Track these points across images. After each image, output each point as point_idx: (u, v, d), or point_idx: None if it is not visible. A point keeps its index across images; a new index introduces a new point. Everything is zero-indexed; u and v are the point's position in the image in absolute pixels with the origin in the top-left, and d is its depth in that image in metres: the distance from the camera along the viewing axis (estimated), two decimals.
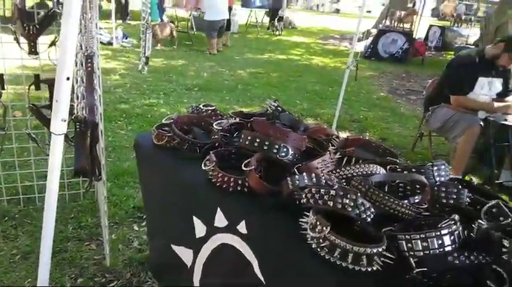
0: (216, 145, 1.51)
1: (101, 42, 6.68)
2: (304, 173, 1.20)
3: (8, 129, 2.20)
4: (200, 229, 1.30)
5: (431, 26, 11.77)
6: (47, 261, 1.23)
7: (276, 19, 12.62)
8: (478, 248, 0.96)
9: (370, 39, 9.57)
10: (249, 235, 1.16)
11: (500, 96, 2.99)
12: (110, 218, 2.28)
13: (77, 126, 1.81)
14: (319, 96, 5.63)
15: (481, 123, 2.76)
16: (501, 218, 1.06)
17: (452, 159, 3.03)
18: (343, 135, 4.24)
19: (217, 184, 1.31)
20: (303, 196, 1.13)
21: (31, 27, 1.99)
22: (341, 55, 9.54)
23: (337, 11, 25.00)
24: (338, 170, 1.31)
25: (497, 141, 2.85)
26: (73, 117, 1.84)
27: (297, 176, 1.19)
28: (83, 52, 1.74)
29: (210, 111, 1.71)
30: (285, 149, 1.34)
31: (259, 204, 1.21)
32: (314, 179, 1.19)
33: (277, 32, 12.15)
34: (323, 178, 1.19)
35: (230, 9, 9.35)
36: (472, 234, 1.01)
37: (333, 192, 1.07)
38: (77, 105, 1.85)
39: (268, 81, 6.21)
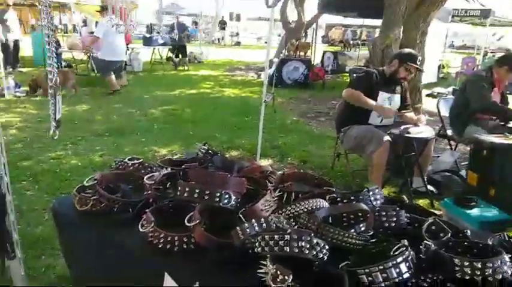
0: (150, 201, 1.40)
1: None
2: (253, 220, 1.16)
3: None
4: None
5: (325, 52, 12.88)
6: None
7: (181, 55, 12.69)
8: (431, 269, 1.00)
9: (273, 68, 10.11)
10: None
11: (400, 110, 3.35)
12: None
13: None
14: (237, 127, 5.69)
15: (389, 138, 3.02)
16: (441, 235, 1.13)
17: (370, 174, 3.25)
18: (267, 162, 4.29)
19: (160, 246, 1.20)
20: (256, 244, 1.09)
21: None
22: (250, 85, 9.89)
23: (238, 43, 26.09)
24: (284, 209, 1.30)
25: (405, 153, 3.14)
26: None
27: (246, 225, 1.15)
28: None
29: (136, 164, 1.59)
30: (227, 196, 1.29)
31: (210, 261, 1.13)
32: (264, 225, 1.16)
33: (185, 67, 12.19)
34: (272, 221, 1.17)
35: (126, 47, 9.13)
36: (420, 255, 1.05)
37: (287, 237, 1.05)
38: None
39: (184, 118, 6.11)
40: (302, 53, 10.35)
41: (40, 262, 2.34)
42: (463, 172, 3.49)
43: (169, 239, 1.19)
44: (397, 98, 3.36)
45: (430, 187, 3.29)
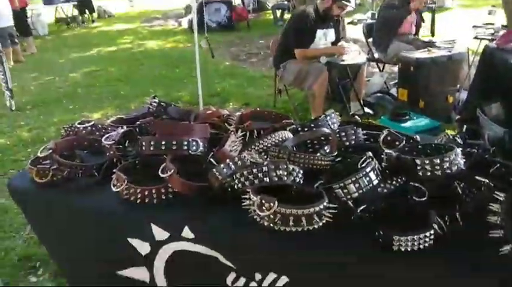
0: (114, 161, 1.36)
1: None
2: (228, 160, 1.19)
3: None
4: (143, 247, 1.19)
5: None
6: None
7: (88, 10, 11.55)
8: (394, 174, 1.13)
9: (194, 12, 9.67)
10: (198, 237, 1.11)
11: (334, 43, 3.44)
12: None
13: None
14: (170, 79, 5.51)
15: (326, 68, 3.15)
16: (396, 143, 1.26)
17: (312, 104, 3.39)
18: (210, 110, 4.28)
19: (138, 201, 1.20)
20: (236, 181, 1.13)
21: None
22: (172, 34, 9.41)
23: None
24: (252, 146, 1.33)
25: (341, 80, 3.30)
26: None
27: (222, 165, 1.17)
28: None
29: (88, 127, 1.51)
30: (194, 143, 1.30)
31: (193, 205, 1.16)
32: (239, 163, 1.19)
33: (94, 23, 11.18)
34: (246, 159, 1.21)
35: (25, 10, 8.11)
36: (382, 163, 1.17)
37: (265, 168, 1.10)
38: None
39: (110, 77, 5.75)
40: None
41: None
42: (393, 90, 3.78)
43: (146, 193, 1.18)
44: (331, 32, 3.44)
45: (366, 109, 3.54)
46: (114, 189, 1.21)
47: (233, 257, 1.11)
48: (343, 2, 3.25)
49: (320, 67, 3.13)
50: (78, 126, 1.48)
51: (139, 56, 7.19)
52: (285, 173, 1.11)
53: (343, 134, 1.37)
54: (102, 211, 1.24)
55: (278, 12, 10.02)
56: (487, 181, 1.02)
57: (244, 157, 1.21)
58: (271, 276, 1.08)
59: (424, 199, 1.06)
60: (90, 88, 5.28)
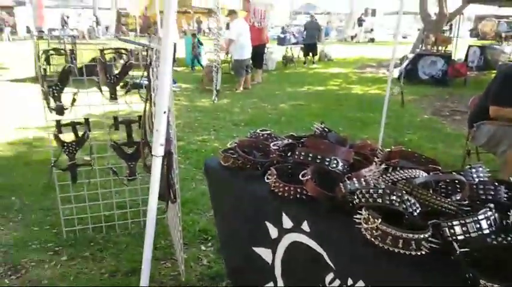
0: (275, 162, 1.76)
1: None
2: (355, 179, 1.41)
3: (93, 165, 2.60)
4: (273, 232, 1.54)
5: (470, 46, 11.64)
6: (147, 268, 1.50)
7: (312, 53, 13.11)
8: None
9: (405, 63, 9.71)
10: (312, 232, 1.37)
11: None
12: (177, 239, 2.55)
13: None
14: (361, 122, 5.78)
15: None
16: None
17: (502, 172, 3.05)
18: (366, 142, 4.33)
19: (279, 193, 1.54)
20: (355, 197, 1.34)
21: (112, 77, 2.40)
22: (379, 82, 9.69)
23: (372, 40, 25.24)
24: (384, 176, 1.50)
25: None
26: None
27: (348, 182, 1.40)
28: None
29: (266, 135, 1.98)
30: (335, 161, 1.56)
31: (317, 207, 1.42)
32: (364, 183, 1.39)
33: (314, 65, 12.58)
34: (371, 181, 1.39)
35: (264, 47, 9.87)
36: (509, 221, 1.15)
37: (380, 191, 1.27)
38: None
39: (310, 112, 6.47)
40: (441, 48, 9.65)
41: (189, 218, 2.96)
42: None
43: (286, 188, 1.51)
44: None
45: None
46: (266, 180, 1.60)
47: (335, 259, 1.31)
48: None
49: None
50: (259, 132, 1.97)
51: (342, 98, 7.77)
52: (398, 200, 1.25)
53: (481, 187, 1.37)
54: (254, 195, 1.64)
55: None
56: None
57: (370, 180, 1.40)
58: (360, 284, 1.23)
59: None
60: (292, 118, 6.09)
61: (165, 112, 1.36)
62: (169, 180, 2.17)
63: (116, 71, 2.44)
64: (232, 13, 8.41)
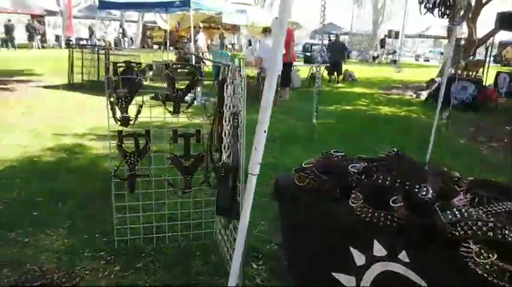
0: (353, 185, 1.73)
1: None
2: (455, 209, 1.37)
3: (151, 176, 2.60)
4: (359, 258, 1.49)
5: (499, 72, 11.53)
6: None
7: (336, 72, 13.14)
8: None
9: (434, 87, 9.66)
10: (411, 263, 1.32)
11: None
12: (228, 256, 2.52)
13: (222, 172, 2.13)
14: (397, 145, 5.70)
15: None
16: None
17: None
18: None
19: (367, 219, 1.51)
20: (458, 228, 1.29)
21: (179, 91, 2.43)
22: (408, 104, 9.63)
23: (394, 62, 25.21)
24: (480, 207, 1.45)
25: None
26: (220, 163, 2.17)
27: (448, 212, 1.36)
28: (230, 110, 2.09)
29: (339, 156, 1.95)
30: (425, 189, 1.52)
31: (414, 236, 1.38)
32: (465, 214, 1.35)
33: (339, 84, 12.60)
34: (473, 213, 1.35)
35: (291, 65, 9.89)
36: None
37: (491, 224, 1.23)
38: (224, 154, 2.17)
39: (342, 132, 6.43)
40: (471, 73, 9.56)
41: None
42: None
43: (376, 214, 1.48)
44: None
45: None
46: (351, 204, 1.57)
47: None
48: None
49: None
50: (333, 153, 1.95)
51: (372, 118, 7.72)
52: (510, 234, 1.20)
53: None
54: (336, 218, 1.61)
55: None
56: None
57: (471, 211, 1.36)
58: None
59: None
60: (325, 137, 6.05)
61: (265, 131, 1.35)
62: (234, 196, 2.16)
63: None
64: (265, 30, 8.50)
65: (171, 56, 11.51)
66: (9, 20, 22.46)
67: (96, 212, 3.10)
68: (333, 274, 1.64)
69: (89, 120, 6.20)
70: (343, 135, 6.17)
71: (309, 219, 1.75)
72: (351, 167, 1.78)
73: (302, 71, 12.55)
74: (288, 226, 1.96)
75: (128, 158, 2.46)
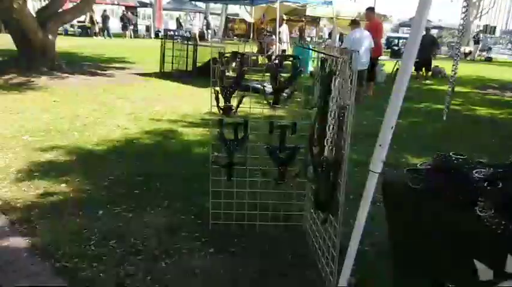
0: (479, 193, 1.58)
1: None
2: None
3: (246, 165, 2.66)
4: (484, 273, 1.37)
5: None
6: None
7: (425, 68, 12.30)
8: None
9: None
10: None
11: None
12: (319, 252, 2.48)
13: (323, 166, 2.09)
14: (500, 151, 5.18)
15: None
16: None
17: None
18: None
19: (498, 231, 1.37)
20: None
21: (280, 83, 2.43)
22: (509, 106, 8.71)
23: (489, 59, 22.95)
24: None
25: None
26: (321, 158, 2.14)
27: None
28: (337, 104, 2.04)
29: (460, 159, 1.80)
30: None
31: None
32: None
33: (427, 81, 11.79)
34: None
35: (377, 59, 9.44)
36: None
37: None
38: (327, 148, 2.13)
39: (434, 131, 6.02)
40: None
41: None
42: None
43: (511, 227, 1.34)
44: None
45: None
46: (479, 213, 1.43)
47: None
48: None
49: None
50: (452, 155, 1.80)
51: (467, 120, 7.13)
52: None
53: None
54: (458, 227, 1.48)
55: None
56: None
57: None
58: None
59: None
60: (414, 136, 5.71)
61: (392, 127, 1.28)
62: (334, 192, 2.11)
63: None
64: (353, 23, 8.22)
65: (254, 49, 11.69)
66: (104, 11, 24.57)
67: (191, 195, 3.27)
68: (449, 284, 1.53)
69: (180, 107, 6.56)
70: (434, 135, 5.76)
71: (424, 224, 1.65)
72: (477, 173, 1.63)
73: (387, 65, 11.95)
74: (394, 227, 1.86)
75: (227, 146, 2.53)
